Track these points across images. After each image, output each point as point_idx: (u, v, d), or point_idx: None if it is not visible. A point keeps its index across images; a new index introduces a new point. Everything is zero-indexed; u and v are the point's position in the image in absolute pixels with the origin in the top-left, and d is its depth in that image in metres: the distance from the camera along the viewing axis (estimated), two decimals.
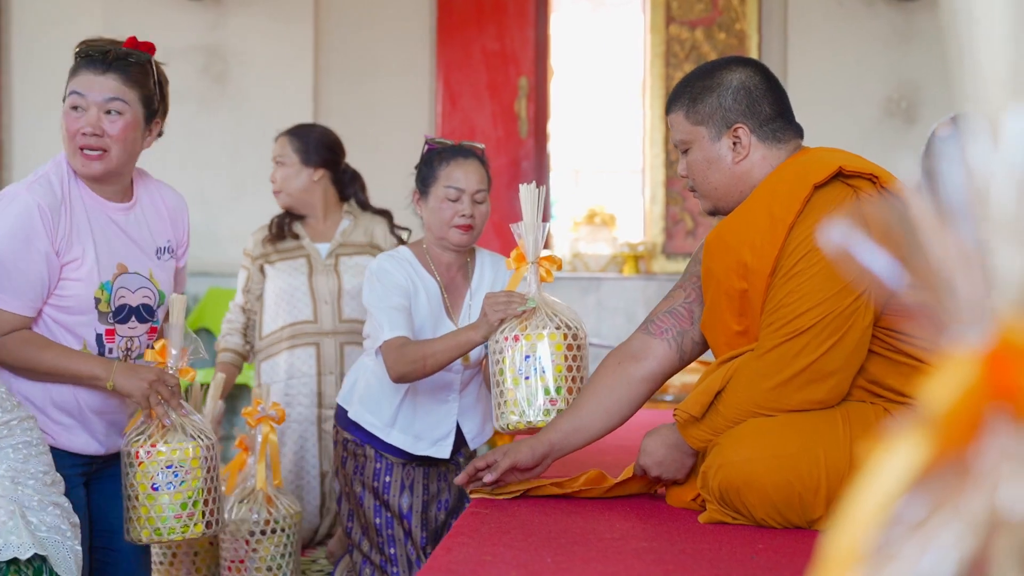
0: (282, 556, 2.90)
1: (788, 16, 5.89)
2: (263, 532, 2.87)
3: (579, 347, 2.27)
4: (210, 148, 5.77)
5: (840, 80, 5.84)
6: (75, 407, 2.34)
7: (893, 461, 0.50)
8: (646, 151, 6.06)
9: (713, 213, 2.18)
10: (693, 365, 2.43)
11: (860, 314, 1.88)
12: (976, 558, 0.47)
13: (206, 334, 5.64)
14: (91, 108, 2.30)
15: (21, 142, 5.97)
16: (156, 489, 2.25)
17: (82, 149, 2.30)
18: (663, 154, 5.98)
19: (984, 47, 0.51)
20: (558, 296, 6.24)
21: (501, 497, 2.17)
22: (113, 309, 2.33)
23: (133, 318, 2.36)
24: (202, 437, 2.29)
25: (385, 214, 3.65)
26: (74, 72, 2.34)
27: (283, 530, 2.90)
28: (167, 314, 2.36)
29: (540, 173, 5.96)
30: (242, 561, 2.89)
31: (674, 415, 2.07)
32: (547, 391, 2.24)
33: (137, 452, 2.24)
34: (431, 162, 2.65)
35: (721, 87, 2.07)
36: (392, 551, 2.65)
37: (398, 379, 2.50)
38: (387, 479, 2.68)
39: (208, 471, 2.30)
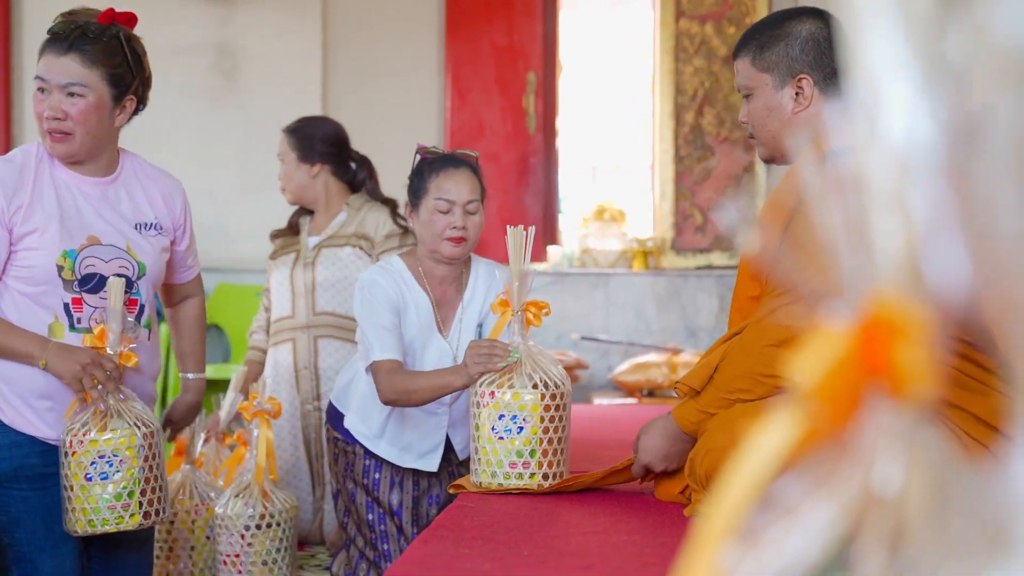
0: (278, 550, 2.90)
1: None
2: (259, 526, 2.87)
3: (559, 407, 2.18)
4: (219, 145, 5.79)
5: None
6: (54, 388, 2.30)
7: (766, 439, 0.48)
8: (655, 146, 6.04)
9: (769, 161, 2.18)
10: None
11: None
12: (848, 538, 0.46)
13: (215, 330, 5.66)
14: (53, 91, 2.30)
15: (32, 131, 6.01)
16: (89, 480, 2.19)
17: (49, 132, 2.31)
18: (672, 149, 5.96)
19: (869, 22, 0.49)
20: (568, 293, 6.22)
21: (487, 491, 2.16)
22: (80, 277, 2.31)
23: (104, 289, 2.32)
24: (140, 425, 2.24)
25: (389, 203, 3.62)
26: (40, 53, 2.34)
27: (279, 524, 2.90)
28: (110, 296, 2.28)
29: (549, 169, 5.95)
30: (238, 555, 2.88)
31: (675, 388, 2.07)
32: (519, 453, 2.16)
33: (71, 442, 2.20)
34: (422, 173, 2.59)
35: (790, 36, 2.06)
36: (385, 547, 2.65)
37: (387, 403, 2.50)
38: (376, 476, 2.66)
39: (146, 459, 2.23)
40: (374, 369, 2.47)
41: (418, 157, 2.64)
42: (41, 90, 2.31)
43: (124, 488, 2.22)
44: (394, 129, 5.91)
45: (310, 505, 3.59)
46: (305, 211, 3.65)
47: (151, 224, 2.44)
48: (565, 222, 6.20)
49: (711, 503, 0.49)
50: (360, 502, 2.67)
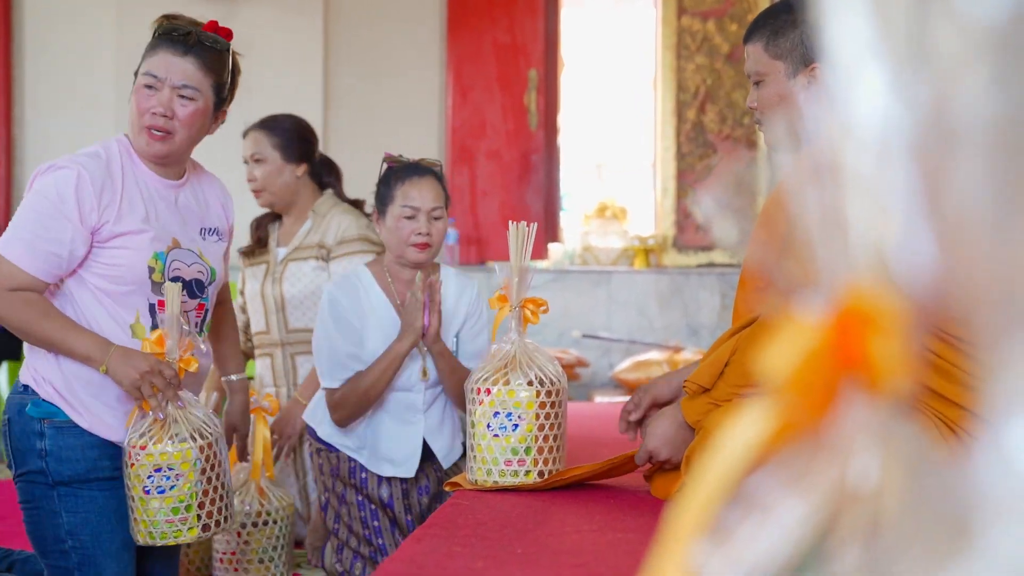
0: (274, 548, 2.89)
1: None
2: (255, 524, 2.86)
3: (554, 403, 2.18)
4: (219, 141, 5.76)
5: None
6: (99, 382, 2.27)
7: (739, 433, 0.47)
8: (657, 144, 6.02)
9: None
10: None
11: None
12: (823, 533, 0.45)
13: None
14: (164, 89, 2.29)
15: (33, 136, 6.01)
16: (147, 493, 2.17)
17: (149, 129, 2.29)
18: (674, 147, 5.95)
19: (841, 6, 0.48)
20: (570, 290, 6.20)
21: (483, 489, 2.15)
22: (167, 280, 2.30)
23: (185, 292, 2.31)
24: (197, 437, 2.20)
25: (357, 205, 3.49)
26: (152, 49, 2.32)
27: (275, 522, 2.89)
28: (168, 303, 2.25)
29: (550, 166, 5.94)
30: (234, 553, 2.88)
31: (684, 386, 2.05)
32: (515, 451, 2.15)
33: (130, 453, 2.18)
34: (388, 181, 2.69)
35: (806, 23, 2.02)
36: (380, 541, 2.66)
37: (340, 424, 2.65)
38: (363, 475, 2.70)
39: (203, 472, 2.20)
40: (326, 396, 2.64)
41: (385, 166, 2.74)
42: (150, 87, 2.29)
43: (181, 502, 2.19)
44: (396, 126, 5.90)
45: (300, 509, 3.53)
46: (272, 216, 3.50)
47: (213, 229, 2.46)
48: (567, 219, 6.19)
49: (683, 498, 0.48)
50: (351, 501, 2.68)
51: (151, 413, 2.19)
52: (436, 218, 2.66)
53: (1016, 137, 0.39)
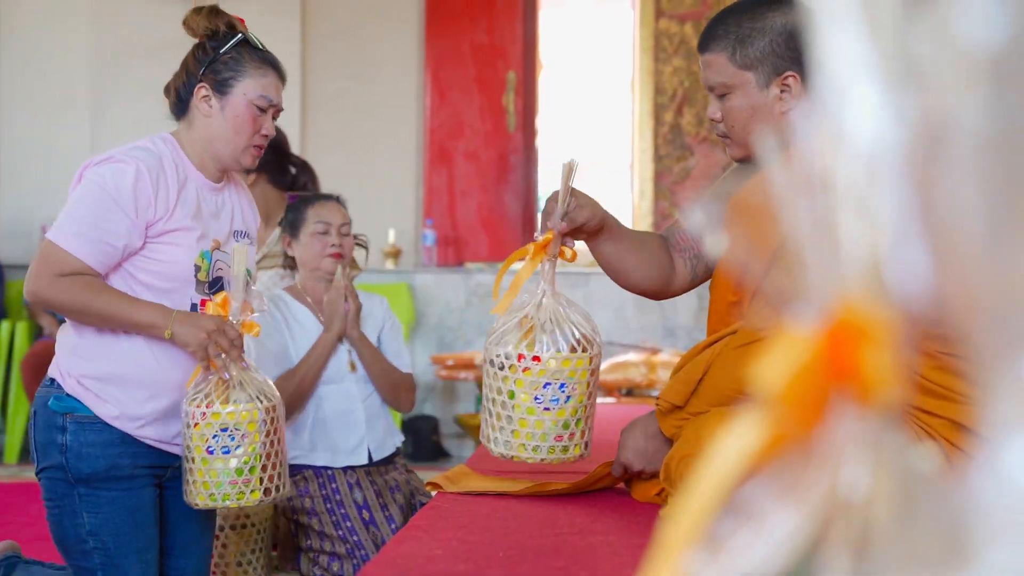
0: (252, 552, 2.88)
1: None
2: (232, 527, 2.85)
3: (596, 370, 1.96)
4: None
5: None
6: (162, 388, 2.28)
7: (731, 444, 0.48)
8: (635, 146, 6.04)
9: (743, 161, 2.04)
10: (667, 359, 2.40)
11: None
12: (814, 545, 0.46)
13: None
14: (270, 111, 2.38)
15: (10, 139, 5.96)
16: (211, 453, 2.15)
17: (258, 148, 2.38)
18: (652, 149, 5.96)
19: (834, 22, 0.49)
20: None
21: (465, 492, 2.15)
22: (211, 279, 2.32)
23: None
24: (262, 399, 2.20)
25: None
26: (260, 68, 2.39)
27: (253, 525, 2.88)
28: (234, 263, 2.27)
29: (528, 167, 5.94)
30: (212, 557, 2.86)
31: (656, 403, 2.04)
32: (566, 425, 1.92)
33: (193, 413, 2.16)
34: (298, 208, 2.96)
35: (773, 30, 1.91)
36: (356, 537, 2.73)
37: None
38: (333, 486, 2.82)
39: (267, 435, 2.19)
40: None
41: (289, 199, 3.05)
42: (261, 108, 2.36)
43: (245, 463, 2.18)
44: (373, 128, 5.89)
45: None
46: None
47: (244, 232, 2.48)
48: None
49: (675, 508, 0.48)
50: (325, 521, 2.77)
51: (215, 373, 2.19)
52: (344, 234, 2.92)
53: (1009, 151, 0.39)
